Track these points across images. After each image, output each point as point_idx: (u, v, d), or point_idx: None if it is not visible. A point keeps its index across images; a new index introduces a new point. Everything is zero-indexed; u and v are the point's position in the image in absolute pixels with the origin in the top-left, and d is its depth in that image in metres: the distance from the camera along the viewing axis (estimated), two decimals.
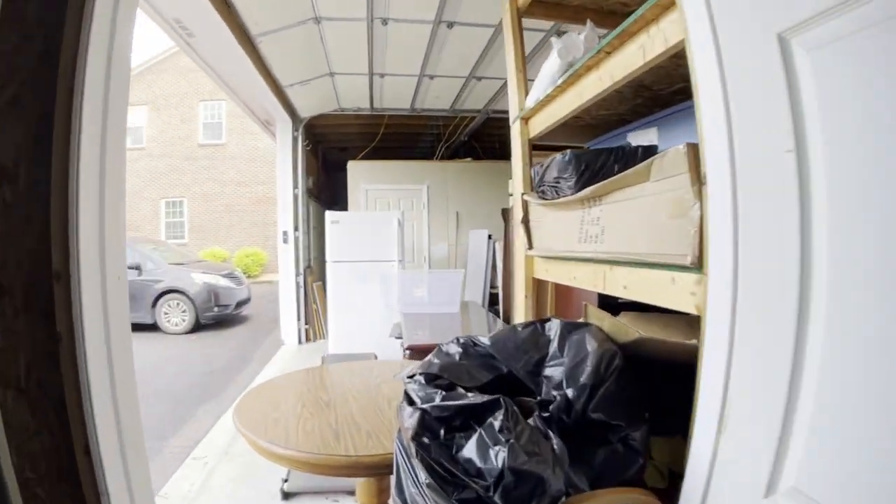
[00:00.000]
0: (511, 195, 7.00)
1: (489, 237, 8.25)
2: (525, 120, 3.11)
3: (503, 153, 9.79)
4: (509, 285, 6.94)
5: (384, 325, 6.32)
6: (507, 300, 6.97)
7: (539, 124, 2.94)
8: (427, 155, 9.83)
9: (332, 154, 11.52)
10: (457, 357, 1.71)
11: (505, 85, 7.09)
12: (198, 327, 9.94)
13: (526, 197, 2.84)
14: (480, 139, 9.88)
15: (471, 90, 7.47)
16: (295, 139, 8.50)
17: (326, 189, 11.91)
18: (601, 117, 3.04)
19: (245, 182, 21.96)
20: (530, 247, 2.87)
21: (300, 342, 8.38)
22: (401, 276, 5.95)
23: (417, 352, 3.96)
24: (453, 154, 10.01)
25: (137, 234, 19.48)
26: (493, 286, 8.25)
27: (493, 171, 9.39)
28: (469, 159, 9.73)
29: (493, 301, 8.15)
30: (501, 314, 7.06)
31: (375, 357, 5.20)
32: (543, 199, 2.50)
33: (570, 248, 2.27)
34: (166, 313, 9.87)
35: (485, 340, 1.76)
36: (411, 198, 9.07)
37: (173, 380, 6.74)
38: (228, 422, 5.00)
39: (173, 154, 22.13)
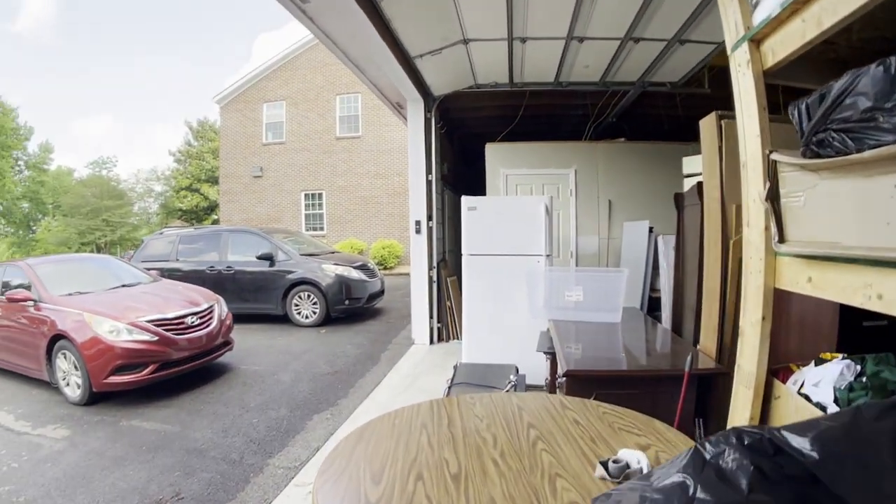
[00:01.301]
0: (688, 176, 5.81)
1: (650, 230, 7.05)
2: (756, 42, 2.02)
3: (658, 133, 8.64)
4: (682, 290, 5.73)
5: (527, 331, 5.41)
6: (677, 308, 5.77)
7: (782, 47, 1.87)
8: (575, 135, 8.73)
9: (467, 141, 10.69)
10: (743, 484, 0.73)
11: (669, 47, 6.03)
12: (328, 320, 9.52)
13: (778, 156, 1.77)
14: (631, 119, 8.67)
15: (625, 56, 6.36)
16: (427, 121, 7.76)
17: (462, 180, 11.15)
18: (862, 43, 2.00)
19: (381, 173, 21.82)
20: (781, 239, 1.80)
21: (432, 342, 7.65)
22: (550, 274, 4.98)
23: (579, 380, 3.01)
24: (599, 136, 8.83)
25: (275, 226, 19.87)
26: (653, 288, 7.05)
27: (651, 153, 8.19)
28: (622, 140, 8.51)
29: (651, 306, 6.96)
30: (669, 325, 5.89)
31: (517, 370, 4.37)
32: (818, 156, 1.44)
33: (876, 241, 1.19)
34: (297, 305, 9.53)
35: (799, 441, 0.77)
36: (557, 183, 8.03)
37: (294, 381, 6.23)
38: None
39: (311, 147, 22.47)
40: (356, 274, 9.91)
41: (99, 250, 33.86)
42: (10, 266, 6.97)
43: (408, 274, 19.22)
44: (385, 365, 6.76)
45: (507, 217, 5.63)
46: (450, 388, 4.13)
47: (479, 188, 10.24)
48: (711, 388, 3.17)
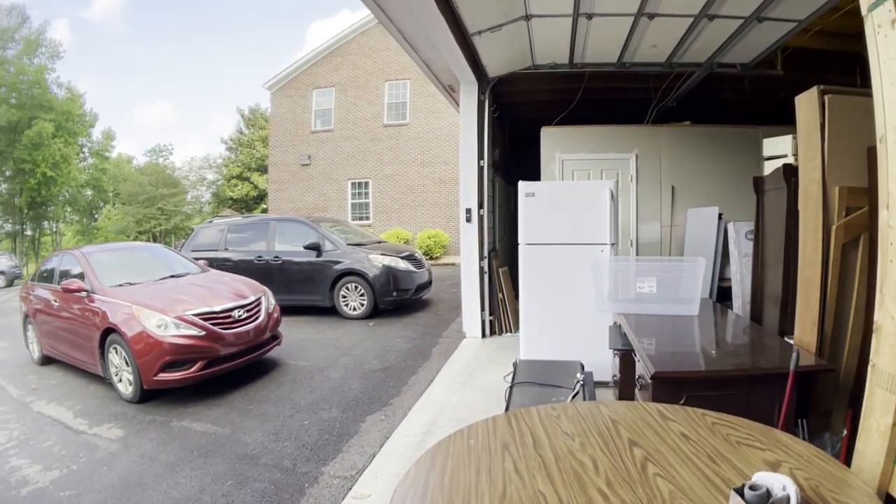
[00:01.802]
0: (769, 159, 5.34)
1: (720, 216, 6.59)
2: None
3: (723, 118, 8.08)
4: (762, 279, 5.27)
5: (590, 325, 5.09)
6: (755, 298, 5.31)
7: None
8: (633, 119, 8.24)
9: (519, 127, 10.27)
10: None
11: (745, 25, 5.46)
12: (376, 312, 9.26)
13: None
14: (694, 103, 8.13)
15: (696, 36, 5.89)
16: (481, 103, 7.39)
17: (512, 167, 10.75)
18: None
19: (428, 162, 21.51)
20: None
21: (484, 335, 7.32)
22: (619, 264, 4.59)
23: (668, 382, 2.67)
24: (661, 120, 8.33)
25: (321, 215, 19.79)
26: (722, 277, 6.59)
27: (718, 137, 7.72)
28: (688, 123, 8.01)
29: (721, 296, 6.50)
30: (746, 317, 5.44)
31: (582, 367, 4.00)
32: None
33: None
34: (344, 297, 9.31)
35: None
36: (616, 168, 7.58)
37: (344, 378, 5.98)
38: (398, 446, 4.01)
39: (359, 135, 22.29)
40: (403, 264, 9.63)
41: (154, 239, 34.59)
42: (66, 255, 6.94)
43: (454, 264, 19.20)
44: (437, 360, 6.46)
45: (569, 203, 5.24)
46: (511, 387, 3.83)
47: (530, 176, 9.88)
48: (812, 386, 2.83)
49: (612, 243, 5.16)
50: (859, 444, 2.14)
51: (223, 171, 37.75)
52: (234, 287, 6.52)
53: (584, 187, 5.34)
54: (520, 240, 5.31)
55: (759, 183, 5.35)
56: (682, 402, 2.54)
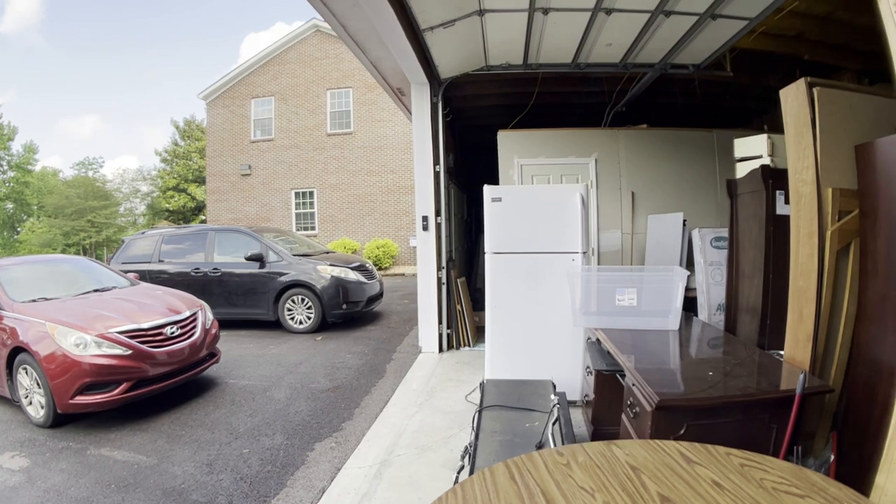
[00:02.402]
0: (742, 160, 5.13)
1: (684, 223, 6.38)
2: None
3: (673, 121, 7.92)
4: (736, 290, 5.04)
5: (560, 340, 4.80)
6: (730, 310, 5.09)
7: None
8: (588, 124, 8.02)
9: (470, 133, 9.90)
10: None
11: (700, 22, 5.27)
12: (324, 326, 8.74)
13: None
14: (643, 106, 7.96)
15: (651, 34, 5.68)
16: (434, 106, 7.01)
17: (466, 175, 10.41)
18: None
19: (375, 171, 21.03)
20: None
21: (441, 350, 6.92)
22: (596, 275, 4.26)
23: (671, 412, 2.38)
24: (616, 124, 8.10)
25: (264, 225, 19.04)
26: (688, 287, 6.35)
27: (676, 141, 7.52)
28: (644, 126, 7.81)
29: (685, 307, 6.26)
30: (724, 328, 5.22)
31: (554, 386, 3.84)
32: None
33: None
34: (290, 310, 8.75)
35: None
36: (576, 173, 7.30)
37: (290, 399, 5.46)
38: (351, 479, 3.55)
39: (302, 144, 21.64)
40: (354, 275, 9.13)
41: (84, 252, 33.49)
42: None
43: (404, 274, 18.77)
44: (392, 378, 6.01)
45: (537, 209, 4.89)
46: (480, 411, 3.44)
47: (483, 184, 9.57)
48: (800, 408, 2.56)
49: (583, 252, 4.84)
50: (880, 478, 2.07)
51: (158, 182, 36.60)
52: (166, 301, 5.92)
53: (553, 192, 4.98)
54: (486, 248, 4.93)
55: (732, 186, 5.13)
56: (682, 431, 2.38)
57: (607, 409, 3.91)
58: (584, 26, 5.53)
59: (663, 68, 6.58)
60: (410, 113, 9.07)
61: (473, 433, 3.23)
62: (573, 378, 4.74)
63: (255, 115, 22.32)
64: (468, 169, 10.60)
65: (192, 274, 9.22)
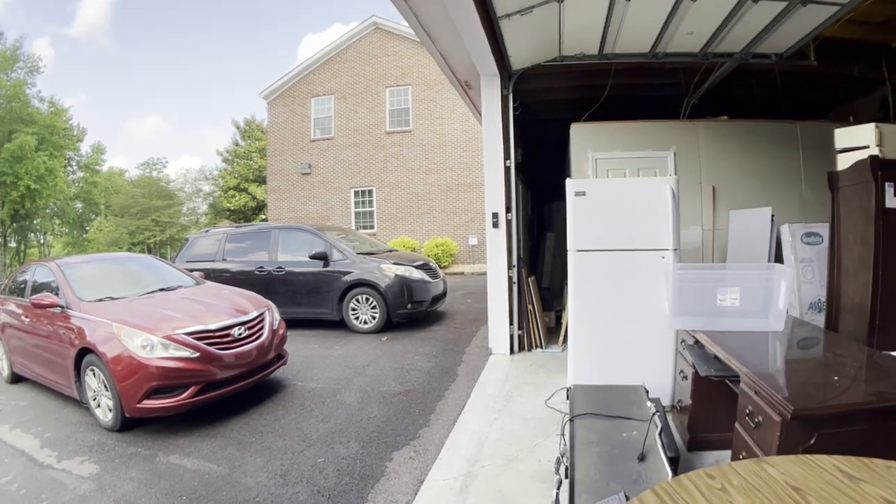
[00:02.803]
0: (843, 152, 4.72)
1: (772, 218, 5.94)
2: None
3: (752, 113, 7.48)
4: (838, 288, 4.62)
5: (648, 342, 4.54)
6: (832, 310, 4.66)
7: None
8: (663, 116, 7.64)
9: (532, 129, 9.53)
10: None
11: (790, 8, 4.86)
12: (389, 326, 8.56)
13: None
14: (718, 100, 7.50)
15: (737, 21, 5.28)
16: (504, 99, 6.75)
17: (528, 170, 10.08)
18: None
19: (434, 169, 20.90)
20: None
21: (512, 351, 6.64)
22: (695, 273, 3.93)
23: (803, 422, 2.17)
24: (694, 116, 7.67)
25: (326, 223, 19.15)
26: None
27: (758, 133, 7.04)
28: (725, 118, 7.37)
29: None
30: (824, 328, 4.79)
31: (646, 391, 3.71)
32: None
33: None
34: (354, 309, 8.61)
35: None
36: (654, 167, 6.89)
37: (361, 403, 5.27)
38: (437, 493, 3.31)
39: (361, 143, 21.69)
40: (418, 274, 8.94)
41: (149, 250, 34.45)
42: (39, 266, 6.22)
43: (463, 273, 18.54)
44: (465, 381, 5.76)
45: (624, 204, 4.57)
46: (571, 420, 3.24)
47: (551, 182, 9.22)
48: None
49: (675, 248, 4.50)
50: None
51: (220, 182, 37.38)
52: (233, 301, 5.81)
53: (641, 185, 4.65)
54: (569, 246, 4.63)
55: (833, 179, 4.71)
56: (811, 442, 2.15)
57: (706, 416, 3.65)
58: (668, 13, 5.20)
59: (744, 58, 6.18)
60: (477, 108, 8.84)
61: (566, 444, 3.00)
62: (663, 383, 4.43)
63: (315, 113, 22.49)
64: (532, 165, 10.26)
65: (257, 273, 9.20)
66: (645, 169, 6.89)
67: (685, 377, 3.88)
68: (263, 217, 29.95)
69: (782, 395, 2.21)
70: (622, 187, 4.73)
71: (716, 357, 3.13)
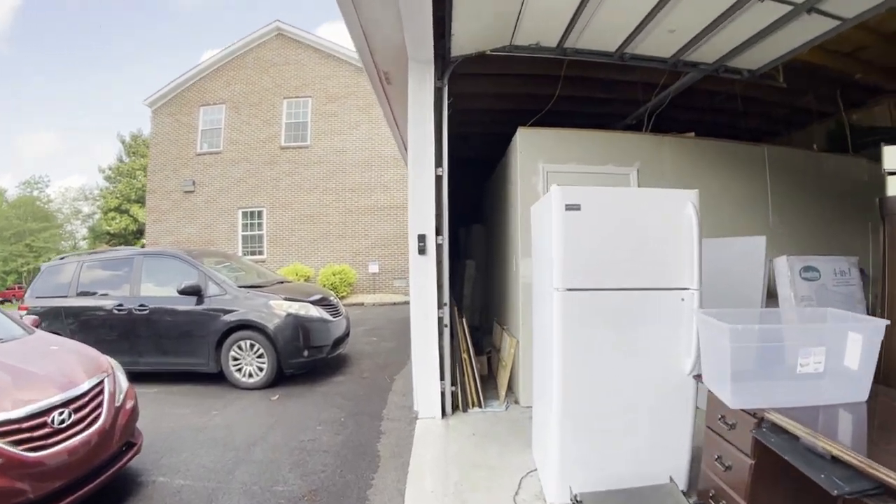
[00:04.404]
0: (893, 174, 3.75)
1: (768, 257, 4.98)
2: None
3: (702, 131, 6.81)
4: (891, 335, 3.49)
5: (663, 411, 3.31)
6: (884, 357, 3.53)
7: None
8: (610, 127, 6.84)
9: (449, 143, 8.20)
10: None
11: (788, 17, 4.10)
12: (280, 378, 6.79)
13: None
14: (668, 115, 6.61)
15: (728, 23, 4.49)
16: (438, 92, 5.37)
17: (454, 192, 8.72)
18: None
19: (331, 189, 19.17)
20: None
21: (444, 413, 5.15)
22: (754, 331, 2.65)
23: None
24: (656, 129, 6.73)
25: (205, 248, 16.80)
26: None
27: (723, 155, 6.29)
28: (692, 134, 6.45)
29: None
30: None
31: (675, 484, 3.08)
32: None
33: None
34: (236, 359, 6.76)
35: None
36: (616, 185, 5.67)
37: None
38: None
39: (252, 158, 19.63)
40: (316, 312, 7.20)
41: (22, 279, 30.52)
42: None
43: (363, 304, 16.77)
44: (392, 467, 4.13)
45: (633, 225, 3.24)
46: None
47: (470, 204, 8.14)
48: None
49: (698, 288, 3.20)
50: None
51: (100, 203, 33.81)
52: (60, 366, 3.86)
53: (654, 199, 3.30)
54: (555, 281, 3.18)
55: (885, 204, 3.70)
56: None
57: None
58: (654, 3, 4.21)
59: (716, 70, 5.40)
60: (393, 110, 7.41)
61: None
62: (677, 462, 3.28)
63: (204, 124, 20.24)
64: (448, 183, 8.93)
65: (116, 312, 7.13)
66: (606, 187, 5.68)
67: (728, 467, 2.72)
68: (144, 242, 27.00)
69: None
70: (629, 201, 3.37)
71: (833, 458, 1.99)
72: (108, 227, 31.52)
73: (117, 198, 31.51)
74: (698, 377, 3.12)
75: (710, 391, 2.85)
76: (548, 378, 3.38)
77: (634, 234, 3.23)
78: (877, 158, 7.06)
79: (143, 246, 23.54)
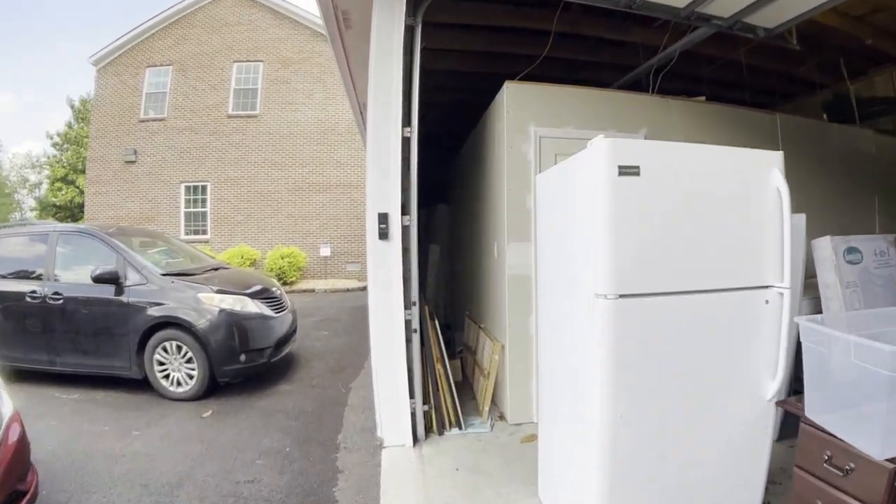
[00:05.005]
0: None
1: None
2: None
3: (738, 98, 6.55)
4: None
5: (736, 446, 2.34)
6: None
7: None
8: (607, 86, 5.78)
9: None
10: None
11: None
12: (213, 387, 5.65)
13: None
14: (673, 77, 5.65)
15: None
16: (410, 31, 4.19)
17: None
18: None
19: (281, 163, 17.76)
20: None
21: (416, 439, 4.11)
22: None
23: None
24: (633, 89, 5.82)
25: (130, 225, 14.91)
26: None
27: (734, 121, 5.55)
28: (702, 98, 5.58)
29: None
30: None
31: None
32: None
33: None
34: (162, 363, 5.59)
35: None
36: None
37: None
38: None
39: (197, 126, 17.98)
40: (254, 307, 6.04)
41: None
42: None
43: (314, 290, 15.41)
44: None
45: (700, 199, 2.25)
46: None
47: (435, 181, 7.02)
48: None
49: (789, 287, 2.24)
50: None
51: (47, 172, 31.20)
52: None
53: (729, 160, 2.28)
54: (598, 285, 2.15)
55: None
56: None
57: None
58: None
59: (730, 27, 4.53)
60: (349, 62, 6.25)
61: None
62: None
63: (149, 87, 18.43)
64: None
65: (28, 300, 5.86)
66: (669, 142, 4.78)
67: None
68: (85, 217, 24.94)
69: None
70: (699, 163, 2.34)
71: None
72: (53, 199, 29.04)
73: (64, 167, 29.03)
74: (782, 403, 2.41)
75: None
76: (580, 420, 2.39)
77: (704, 213, 2.24)
78: (884, 129, 6.54)
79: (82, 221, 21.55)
